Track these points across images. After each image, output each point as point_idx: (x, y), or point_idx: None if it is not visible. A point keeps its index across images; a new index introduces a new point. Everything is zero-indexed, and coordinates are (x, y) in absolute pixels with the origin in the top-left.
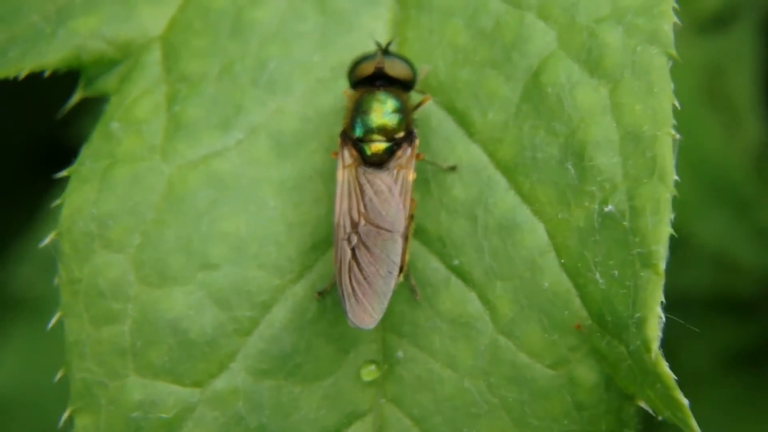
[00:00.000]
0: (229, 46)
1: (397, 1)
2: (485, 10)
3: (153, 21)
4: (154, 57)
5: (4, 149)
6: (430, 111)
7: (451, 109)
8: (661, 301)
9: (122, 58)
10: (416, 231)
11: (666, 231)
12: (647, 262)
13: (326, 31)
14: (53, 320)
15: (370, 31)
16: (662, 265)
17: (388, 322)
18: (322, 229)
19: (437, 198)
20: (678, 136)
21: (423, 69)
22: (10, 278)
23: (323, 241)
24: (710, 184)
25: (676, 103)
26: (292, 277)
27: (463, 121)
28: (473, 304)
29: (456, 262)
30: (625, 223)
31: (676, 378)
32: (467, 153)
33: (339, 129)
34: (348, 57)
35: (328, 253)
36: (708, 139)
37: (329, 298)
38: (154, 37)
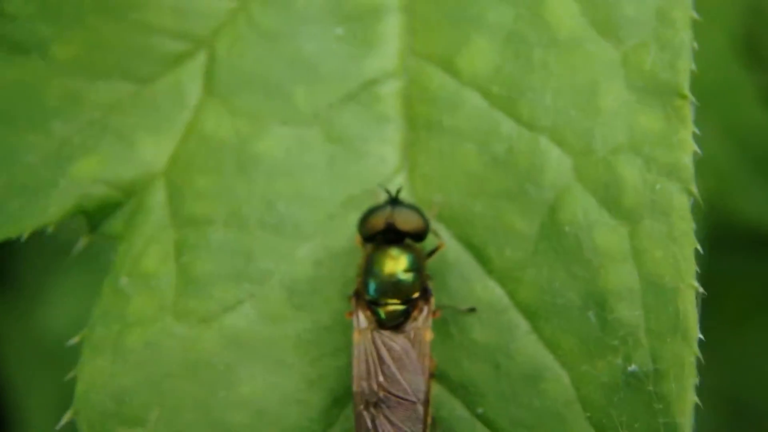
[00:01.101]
0: (235, 183)
1: (406, 122)
2: (496, 133)
3: (155, 155)
4: (159, 198)
5: None
6: (448, 247)
7: (468, 244)
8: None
9: (126, 199)
10: (439, 376)
11: (691, 400)
12: None
13: (334, 160)
14: None
15: (380, 157)
16: None
17: None
18: (342, 382)
19: (458, 341)
20: (701, 290)
21: (435, 201)
22: (64, 226)
23: (344, 395)
24: (748, 150)
25: (699, 248)
26: None
27: (480, 256)
28: None
29: (480, 410)
30: (650, 387)
31: None
32: (486, 292)
33: (353, 274)
34: (357, 188)
35: (349, 407)
36: (745, 99)
37: None
38: (158, 173)
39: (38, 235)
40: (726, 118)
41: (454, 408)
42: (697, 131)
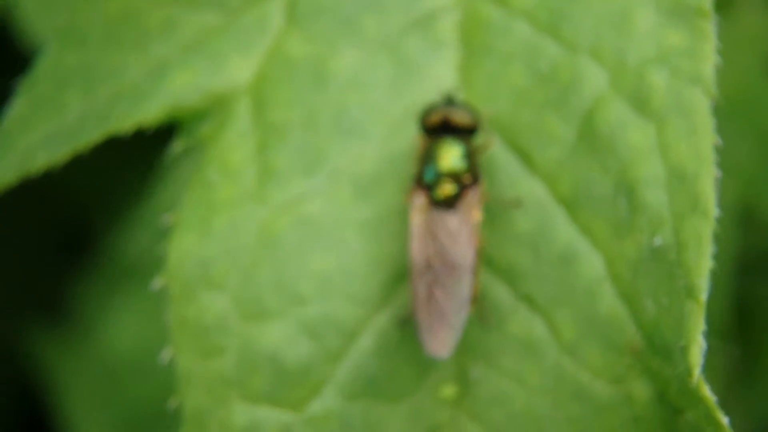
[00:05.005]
0: (312, 95)
1: (463, 48)
2: (542, 54)
3: (241, 72)
4: (244, 107)
5: None
6: (496, 150)
7: (515, 148)
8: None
9: (215, 109)
10: (486, 261)
11: (707, 265)
12: (691, 294)
13: (398, 78)
14: (167, 358)
15: (439, 76)
16: (703, 297)
17: (463, 346)
18: (399, 262)
19: (503, 231)
20: (719, 174)
21: (487, 111)
22: (126, 245)
23: (401, 274)
24: None
25: (718, 140)
26: (375, 307)
27: (525, 158)
28: (539, 327)
29: (522, 289)
30: (672, 257)
31: (716, 399)
32: (530, 188)
33: (412, 171)
34: (418, 102)
35: (406, 284)
36: None
37: (409, 326)
38: (243, 87)
39: (88, 268)
40: (757, 128)
41: (498, 289)
42: (719, 44)
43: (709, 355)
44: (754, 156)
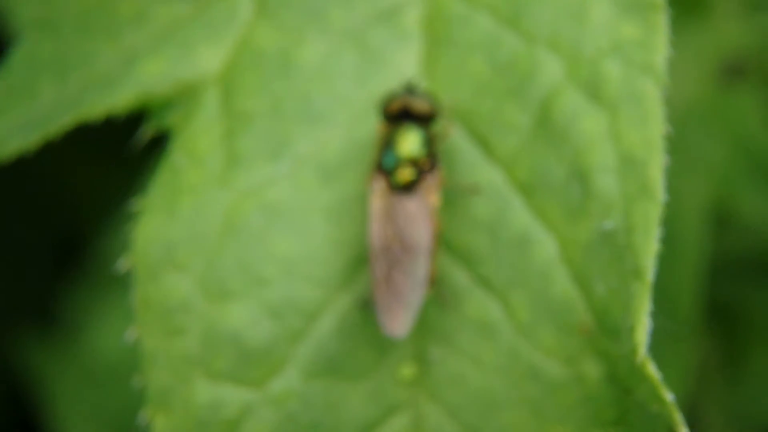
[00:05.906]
0: (278, 84)
1: (426, 39)
2: (502, 46)
3: (210, 61)
4: (213, 96)
5: None
6: (457, 137)
7: (475, 136)
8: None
9: (184, 98)
10: (445, 245)
11: (654, 247)
12: (638, 275)
13: (363, 68)
14: (131, 336)
15: (402, 67)
16: (650, 278)
17: (422, 327)
18: (361, 246)
19: (462, 216)
20: (668, 161)
21: (448, 100)
22: (116, 252)
23: (363, 257)
24: (753, 161)
25: (668, 128)
26: (336, 289)
27: (485, 146)
28: (495, 309)
29: (479, 272)
30: (621, 240)
31: (661, 376)
32: (488, 174)
33: (374, 158)
34: (382, 91)
35: (367, 267)
36: (750, 114)
37: (370, 307)
38: (212, 76)
39: (79, 274)
40: (731, 130)
41: (456, 272)
42: (671, 36)
43: (680, 350)
44: (728, 158)
